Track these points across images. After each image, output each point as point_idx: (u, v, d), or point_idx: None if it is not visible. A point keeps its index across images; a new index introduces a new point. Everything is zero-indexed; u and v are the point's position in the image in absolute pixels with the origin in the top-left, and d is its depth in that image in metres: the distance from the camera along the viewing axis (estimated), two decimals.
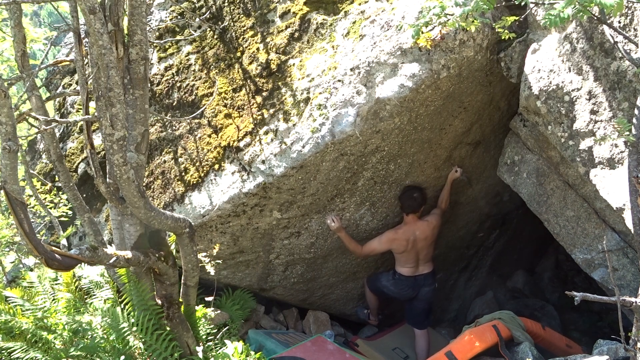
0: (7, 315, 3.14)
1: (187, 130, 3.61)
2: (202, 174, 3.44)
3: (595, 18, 2.19)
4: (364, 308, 4.78)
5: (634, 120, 2.09)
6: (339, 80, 3.00)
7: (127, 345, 2.92)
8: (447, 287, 5.62)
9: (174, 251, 3.03)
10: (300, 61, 3.21)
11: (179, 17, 3.91)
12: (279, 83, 3.24)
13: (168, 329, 2.95)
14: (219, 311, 3.73)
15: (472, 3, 2.09)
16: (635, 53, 2.23)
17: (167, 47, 3.91)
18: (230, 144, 3.33)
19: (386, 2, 3.06)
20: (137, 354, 2.95)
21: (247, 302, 4.11)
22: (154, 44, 3.82)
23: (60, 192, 4.35)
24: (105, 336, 2.97)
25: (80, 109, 3.63)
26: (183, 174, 3.55)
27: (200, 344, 3.14)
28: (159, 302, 2.91)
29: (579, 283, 5.99)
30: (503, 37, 2.47)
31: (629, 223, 2.37)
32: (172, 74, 3.81)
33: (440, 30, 2.78)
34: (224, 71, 3.54)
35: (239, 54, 3.50)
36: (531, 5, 2.79)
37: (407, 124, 3.12)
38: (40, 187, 4.43)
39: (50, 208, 4.28)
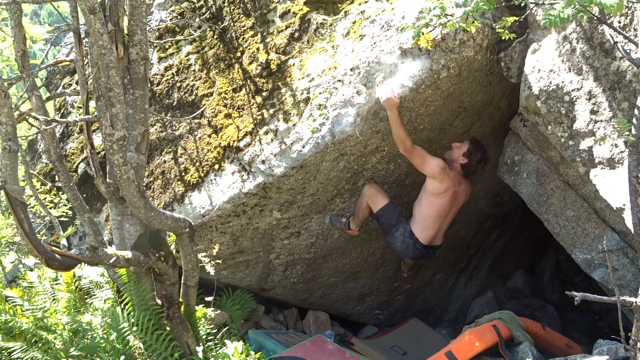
0: (7, 315, 3.14)
1: (187, 130, 3.61)
2: (202, 174, 3.44)
3: (595, 18, 2.19)
4: (340, 216, 3.71)
5: (634, 120, 2.09)
6: (339, 80, 3.00)
7: (127, 345, 2.92)
8: (447, 287, 5.62)
9: (174, 251, 3.03)
10: (300, 61, 3.21)
11: (179, 17, 3.90)
12: (279, 83, 3.24)
13: (168, 329, 2.95)
14: (219, 311, 3.73)
15: (472, 4, 2.09)
16: (635, 53, 2.23)
17: (167, 47, 3.91)
18: (230, 144, 3.33)
19: (386, 2, 3.06)
20: (137, 354, 2.95)
21: (247, 302, 4.11)
22: (154, 44, 3.82)
23: (60, 192, 4.35)
24: (105, 336, 2.97)
25: (80, 108, 3.63)
26: (183, 174, 3.55)
27: (200, 344, 3.14)
28: (159, 302, 2.92)
29: (579, 283, 6.00)
30: (503, 38, 2.47)
31: (629, 223, 2.37)
32: (172, 74, 3.81)
33: (441, 31, 2.78)
34: (224, 71, 3.54)
35: (239, 54, 3.50)
36: (531, 6, 2.79)
37: (407, 124, 3.12)
38: (40, 187, 4.43)
39: (50, 208, 4.28)
